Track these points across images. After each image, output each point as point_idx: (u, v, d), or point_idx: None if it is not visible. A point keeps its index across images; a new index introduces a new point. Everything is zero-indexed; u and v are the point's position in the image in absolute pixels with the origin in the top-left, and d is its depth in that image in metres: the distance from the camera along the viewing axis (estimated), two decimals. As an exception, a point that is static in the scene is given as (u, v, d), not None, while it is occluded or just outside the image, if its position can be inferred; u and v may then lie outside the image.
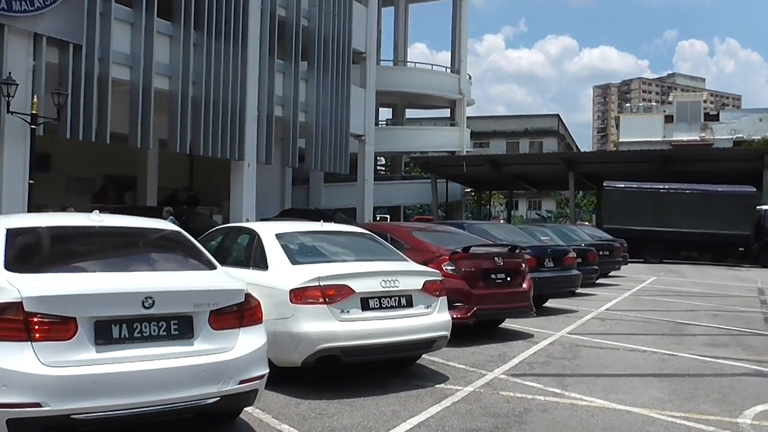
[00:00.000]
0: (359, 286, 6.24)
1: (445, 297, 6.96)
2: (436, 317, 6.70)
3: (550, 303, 12.73)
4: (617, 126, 59.00)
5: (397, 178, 46.41)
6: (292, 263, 6.55)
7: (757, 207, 27.88)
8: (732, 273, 23.65)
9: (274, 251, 6.77)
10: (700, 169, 32.35)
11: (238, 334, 4.57)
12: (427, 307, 6.67)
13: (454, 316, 8.42)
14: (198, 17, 21.11)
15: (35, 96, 16.45)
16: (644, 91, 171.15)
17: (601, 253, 16.87)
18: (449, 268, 8.64)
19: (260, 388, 4.68)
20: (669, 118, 51.56)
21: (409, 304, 6.54)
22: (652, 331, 10.25)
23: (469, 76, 44.17)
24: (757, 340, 9.61)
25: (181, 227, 5.75)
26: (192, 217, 22.29)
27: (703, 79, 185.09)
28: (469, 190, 48.72)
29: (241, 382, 4.48)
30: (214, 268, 5.00)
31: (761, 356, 8.35)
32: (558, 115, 75.62)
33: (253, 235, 7.22)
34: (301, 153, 27.36)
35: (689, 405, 6.01)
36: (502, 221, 44.04)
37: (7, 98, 15.72)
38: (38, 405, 3.76)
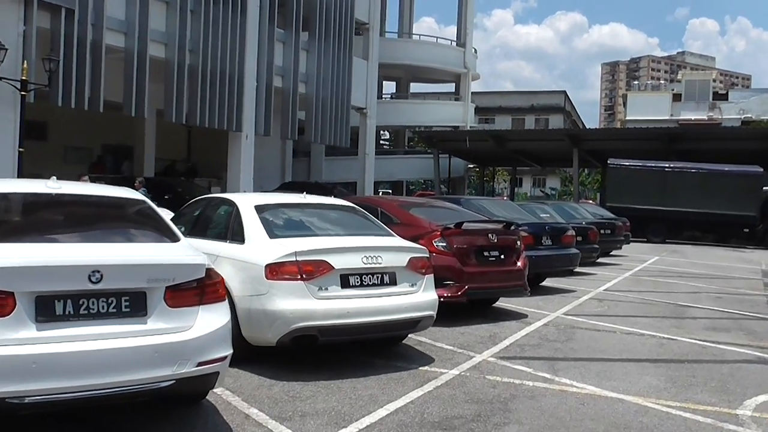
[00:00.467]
0: (339, 262, 5.89)
1: (432, 275, 6.60)
2: (421, 296, 6.34)
3: (548, 282, 12.39)
4: (624, 104, 58.26)
5: (400, 152, 45.91)
6: (270, 237, 6.19)
7: (764, 188, 27.36)
8: (736, 254, 23.25)
9: (251, 224, 6.41)
10: (706, 147, 31.77)
11: (197, 312, 4.22)
12: (412, 285, 6.31)
13: (445, 295, 8.16)
14: (195, -17, 20.56)
15: (25, 62, 16.04)
16: (653, 69, 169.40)
17: (602, 231, 16.50)
18: (440, 244, 8.28)
19: (222, 370, 4.34)
20: (677, 97, 50.78)
21: (393, 281, 6.19)
22: (652, 313, 9.90)
23: (475, 49, 43.44)
24: (760, 325, 9.25)
25: (152, 198, 5.37)
26: (189, 188, 21.96)
27: (714, 58, 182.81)
28: (472, 165, 48.20)
29: (200, 364, 4.14)
30: (176, 240, 4.64)
31: (764, 342, 8.00)
32: (564, 91, 74.59)
33: (232, 207, 6.86)
34: (301, 125, 26.90)
35: (686, 394, 5.67)
36: (505, 198, 43.62)
37: (-5, 64, 15.30)
38: (-32, 387, 3.43)
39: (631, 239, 22.28)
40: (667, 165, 28.80)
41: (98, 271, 3.84)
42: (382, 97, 44.13)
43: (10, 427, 4.25)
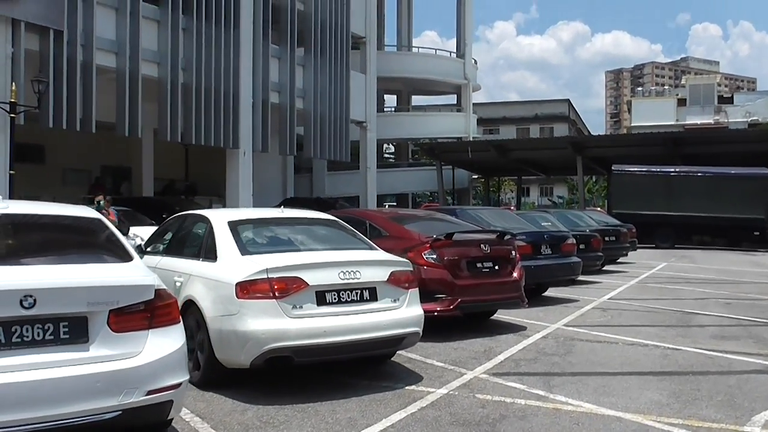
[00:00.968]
0: (314, 278, 5.53)
1: (417, 289, 6.22)
2: (404, 312, 5.97)
3: (550, 292, 11.98)
4: (629, 111, 57.82)
5: (404, 165, 45.57)
6: (242, 254, 5.85)
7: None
8: (746, 258, 22.73)
9: (224, 241, 6.07)
10: (712, 151, 31.26)
11: (146, 336, 3.87)
12: (395, 300, 5.94)
13: (437, 309, 7.81)
14: (187, 0, 20.37)
15: (14, 84, 15.84)
16: (657, 76, 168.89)
17: (606, 238, 16.07)
18: (430, 256, 7.92)
19: (177, 398, 3.98)
20: (682, 102, 50.32)
21: (373, 297, 5.81)
22: (657, 322, 9.46)
23: (475, 60, 43.17)
24: (771, 331, 8.80)
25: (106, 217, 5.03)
26: (188, 207, 21.65)
27: (717, 63, 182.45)
28: (476, 176, 47.81)
29: (150, 393, 3.79)
30: (128, 260, 4.29)
31: (775, 349, 7.56)
32: (568, 100, 74.42)
33: (206, 223, 6.52)
34: (299, 141, 26.65)
35: (690, 409, 5.26)
36: (512, 208, 43.18)
37: (-17, 86, 15.10)
38: None
39: (639, 246, 21.79)
40: (672, 169, 28.34)
41: (31, 296, 3.51)
42: (383, 111, 43.93)
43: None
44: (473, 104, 45.53)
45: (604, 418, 5.04)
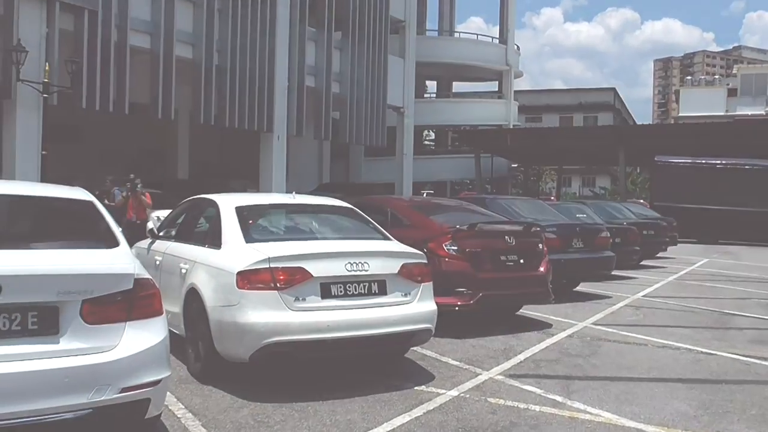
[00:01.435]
0: (319, 269, 5.23)
1: (430, 283, 5.88)
2: (416, 307, 5.63)
3: (582, 287, 11.50)
4: (677, 100, 56.25)
5: (442, 152, 45.08)
6: (247, 241, 5.57)
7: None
8: (795, 256, 21.76)
9: (229, 227, 5.81)
10: (762, 143, 30.04)
11: (122, 329, 3.62)
12: (405, 294, 5.60)
13: (457, 303, 7.46)
14: (222, -18, 20.23)
15: (47, 64, 15.87)
16: (708, 65, 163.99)
17: (645, 232, 15.45)
18: (451, 247, 7.56)
19: (155, 396, 3.72)
20: (732, 92, 48.79)
21: (382, 291, 5.49)
22: (692, 323, 8.95)
23: (517, 46, 42.36)
24: (816, 336, 8.24)
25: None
26: (222, 191, 21.58)
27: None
28: (515, 165, 47.01)
29: (124, 390, 3.53)
30: (113, 246, 4.04)
31: (819, 357, 7.03)
32: (614, 88, 72.63)
33: (214, 208, 6.27)
34: (335, 125, 26.41)
35: (719, 423, 4.83)
36: (552, 198, 42.35)
37: (17, 66, 15.16)
38: None
39: (681, 240, 21.04)
40: (719, 161, 27.31)
41: (-5, 284, 3.27)
42: (423, 97, 43.44)
43: None
44: (515, 92, 44.75)
45: (624, 430, 4.65)
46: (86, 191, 4.87)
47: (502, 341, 7.40)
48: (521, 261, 7.98)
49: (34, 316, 3.41)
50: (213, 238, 5.93)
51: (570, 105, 68.76)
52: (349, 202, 8.51)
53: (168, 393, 5.25)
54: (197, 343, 5.68)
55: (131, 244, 4.81)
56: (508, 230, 8.10)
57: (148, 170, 26.67)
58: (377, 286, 5.46)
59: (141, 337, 3.67)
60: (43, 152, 15.85)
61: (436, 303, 6.50)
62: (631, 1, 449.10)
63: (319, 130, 25.17)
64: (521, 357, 6.70)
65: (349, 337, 5.24)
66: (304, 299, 5.16)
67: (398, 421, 4.73)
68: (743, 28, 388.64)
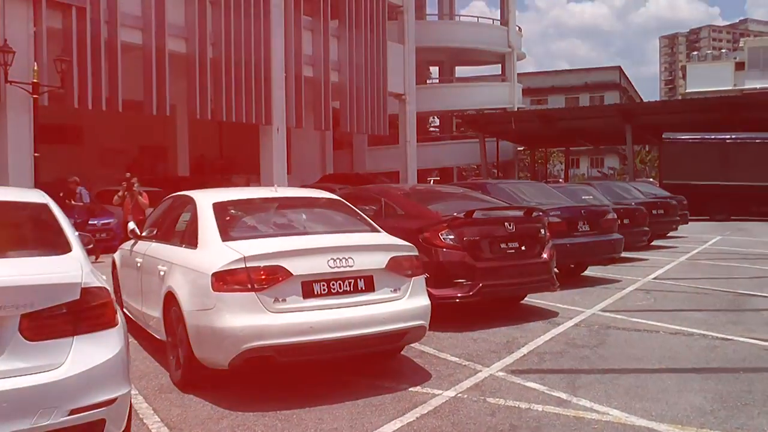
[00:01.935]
0: (299, 267, 4.86)
1: (422, 276, 5.50)
2: (406, 303, 5.25)
3: (590, 271, 11.12)
4: (684, 76, 55.40)
5: (446, 138, 44.55)
6: (223, 240, 5.21)
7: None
8: (810, 230, 21.22)
9: (206, 225, 5.45)
10: (772, 116, 29.38)
11: (70, 344, 3.27)
12: (395, 290, 5.23)
13: (457, 295, 7.10)
14: (213, -28, 19.81)
15: (36, 64, 15.54)
16: (714, 40, 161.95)
17: (653, 212, 14.98)
18: (448, 237, 7.18)
19: (110, 417, 3.37)
20: (740, 66, 47.98)
21: (369, 287, 5.11)
22: (706, 305, 8.54)
23: (519, 27, 41.67)
24: (838, 315, 7.81)
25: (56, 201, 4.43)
26: (224, 186, 21.29)
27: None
28: (521, 148, 46.42)
29: (73, 412, 3.19)
30: (65, 252, 3.69)
31: (842, 338, 6.61)
32: (619, 67, 71.77)
33: (192, 205, 5.91)
34: (335, 115, 26.00)
35: (738, 419, 4.44)
36: (560, 181, 41.79)
37: (4, 67, 14.84)
38: None
39: (693, 218, 20.57)
40: (728, 136, 26.68)
41: None
42: (426, 83, 42.90)
43: None
44: (520, 74, 44.13)
45: (634, 430, 4.27)
46: (43, 193, 4.52)
47: (505, 333, 7.02)
48: (522, 248, 7.59)
49: (-33, 335, 3.06)
50: (190, 238, 5.58)
51: (575, 85, 68.08)
52: (341, 193, 8.17)
53: (145, 404, 4.97)
54: (177, 350, 5.34)
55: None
56: (507, 216, 7.71)
57: (149, 168, 26.52)
58: (364, 283, 5.09)
59: (91, 352, 3.32)
60: (36, 154, 15.52)
61: (435, 296, 6.15)
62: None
63: (318, 121, 24.77)
64: (524, 350, 6.32)
65: (334, 339, 4.88)
66: (284, 300, 4.80)
67: (388, 428, 4.39)
68: (749, 1, 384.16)
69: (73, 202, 13.69)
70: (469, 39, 38.82)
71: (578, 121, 37.46)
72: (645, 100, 72.58)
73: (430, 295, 5.59)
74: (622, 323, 7.44)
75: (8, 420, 3.03)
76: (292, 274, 4.82)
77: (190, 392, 5.14)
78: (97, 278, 3.55)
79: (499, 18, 41.60)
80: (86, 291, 3.36)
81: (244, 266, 4.77)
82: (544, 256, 7.78)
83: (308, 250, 5.00)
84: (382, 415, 4.62)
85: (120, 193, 13.56)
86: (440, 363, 5.92)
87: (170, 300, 5.38)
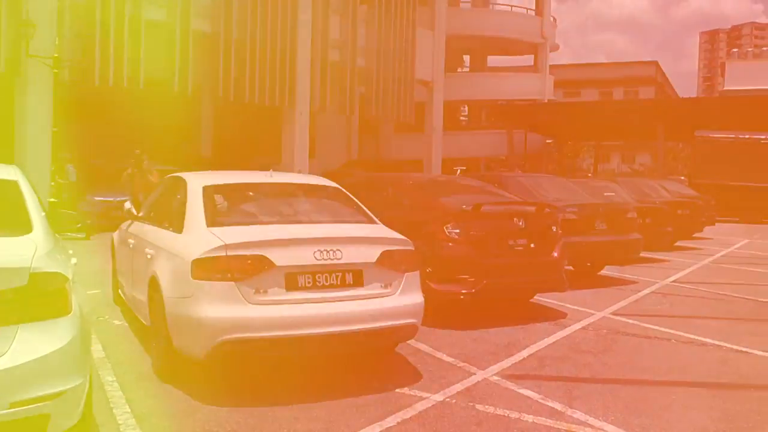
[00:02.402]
0: (283, 257, 4.62)
1: (416, 272, 5.23)
2: (398, 300, 4.99)
3: (607, 271, 10.75)
4: (723, 74, 54.01)
5: (474, 127, 43.95)
6: (208, 225, 4.99)
7: None
8: (844, 236, 20.48)
9: (193, 209, 5.23)
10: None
11: (13, 333, 3.07)
12: (386, 286, 4.97)
13: (461, 291, 6.81)
14: (241, -49, 19.58)
15: (57, 39, 15.47)
16: (756, 37, 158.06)
17: (679, 211, 14.51)
18: (453, 230, 6.90)
19: (56, 411, 3.16)
20: (783, 64, 46.48)
21: (358, 282, 4.86)
22: (724, 313, 8.14)
23: (554, 18, 40.84)
24: None
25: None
26: (246, 168, 21.15)
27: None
28: (550, 141, 45.63)
29: (13, 406, 2.99)
30: (24, 233, 3.49)
31: None
32: (656, 62, 70.13)
33: (183, 187, 5.69)
34: (360, 100, 25.69)
35: (743, 442, 4.12)
36: (589, 175, 41.04)
37: (25, 40, 14.80)
38: None
39: (723, 219, 19.97)
40: (763, 136, 25.87)
41: None
42: (457, 71, 42.31)
43: None
44: (553, 66, 43.30)
45: (627, 449, 3.97)
46: (17, 170, 4.33)
47: (508, 334, 6.73)
48: (532, 245, 7.27)
49: None
50: (177, 221, 5.37)
51: (610, 79, 66.69)
52: (352, 180, 7.92)
53: (120, 393, 4.78)
54: (160, 337, 5.14)
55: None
56: (517, 211, 7.40)
57: (173, 148, 26.48)
58: (352, 277, 4.84)
59: (37, 341, 3.12)
60: (54, 129, 15.48)
61: (437, 291, 5.90)
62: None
63: (343, 105, 24.49)
64: (524, 353, 6.02)
65: (318, 335, 4.63)
66: (265, 292, 4.57)
67: (365, 432, 4.14)
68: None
69: (59, 179, 13.70)
70: (501, 28, 38.11)
71: (608, 114, 36.64)
72: (681, 96, 71.13)
73: (432, 290, 5.34)
74: (632, 329, 7.10)
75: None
76: (275, 265, 4.58)
77: (169, 382, 4.95)
78: (55, 262, 3.34)
79: (534, 8, 40.82)
80: (36, 277, 3.15)
81: (225, 254, 4.55)
82: (555, 254, 7.46)
83: (293, 240, 4.76)
84: (362, 417, 4.38)
85: (128, 171, 13.36)
86: (434, 363, 5.66)
87: (154, 285, 5.19)
